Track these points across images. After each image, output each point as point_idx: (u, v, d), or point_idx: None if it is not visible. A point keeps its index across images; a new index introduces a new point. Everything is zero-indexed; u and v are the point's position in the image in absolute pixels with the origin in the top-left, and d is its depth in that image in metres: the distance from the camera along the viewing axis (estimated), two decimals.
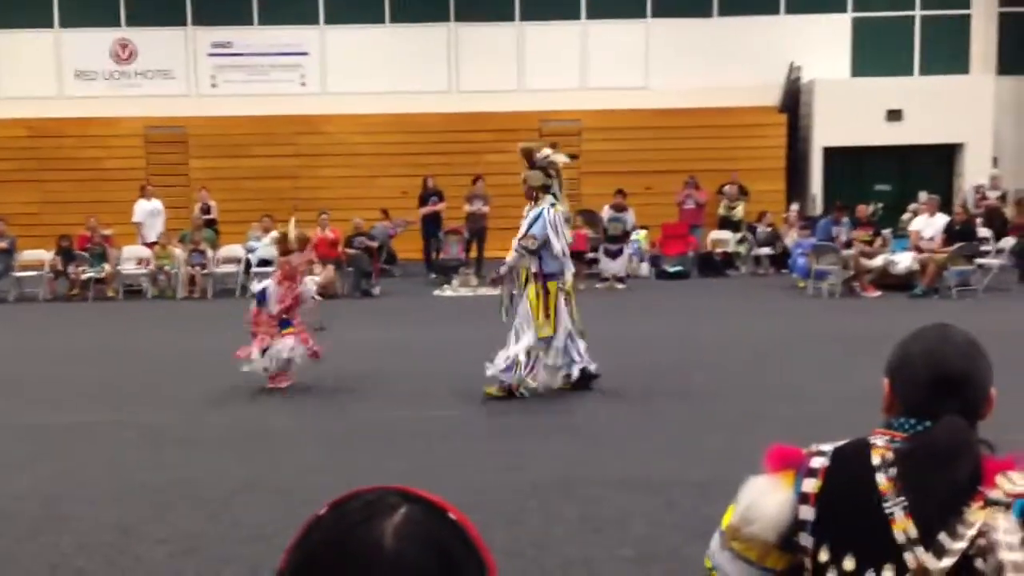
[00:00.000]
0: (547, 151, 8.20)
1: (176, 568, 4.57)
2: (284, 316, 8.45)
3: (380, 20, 20.50)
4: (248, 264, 15.92)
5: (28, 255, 16.25)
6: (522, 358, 7.84)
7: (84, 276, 15.56)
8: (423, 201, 17.30)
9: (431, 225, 17.26)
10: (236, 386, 8.48)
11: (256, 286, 8.91)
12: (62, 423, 7.42)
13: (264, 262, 16.03)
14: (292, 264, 8.59)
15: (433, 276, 16.72)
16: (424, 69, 20.33)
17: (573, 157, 8.38)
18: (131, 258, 16.44)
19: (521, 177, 8.25)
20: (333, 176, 19.60)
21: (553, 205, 8.09)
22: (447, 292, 15.48)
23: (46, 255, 16.06)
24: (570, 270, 8.29)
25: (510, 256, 8.16)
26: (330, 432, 7.03)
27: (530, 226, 7.98)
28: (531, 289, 7.96)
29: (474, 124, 19.50)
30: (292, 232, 8.68)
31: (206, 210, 17.87)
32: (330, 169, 19.76)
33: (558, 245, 7.96)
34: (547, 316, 7.88)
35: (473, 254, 16.78)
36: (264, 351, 8.32)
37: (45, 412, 7.81)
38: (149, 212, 17.15)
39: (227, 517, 5.27)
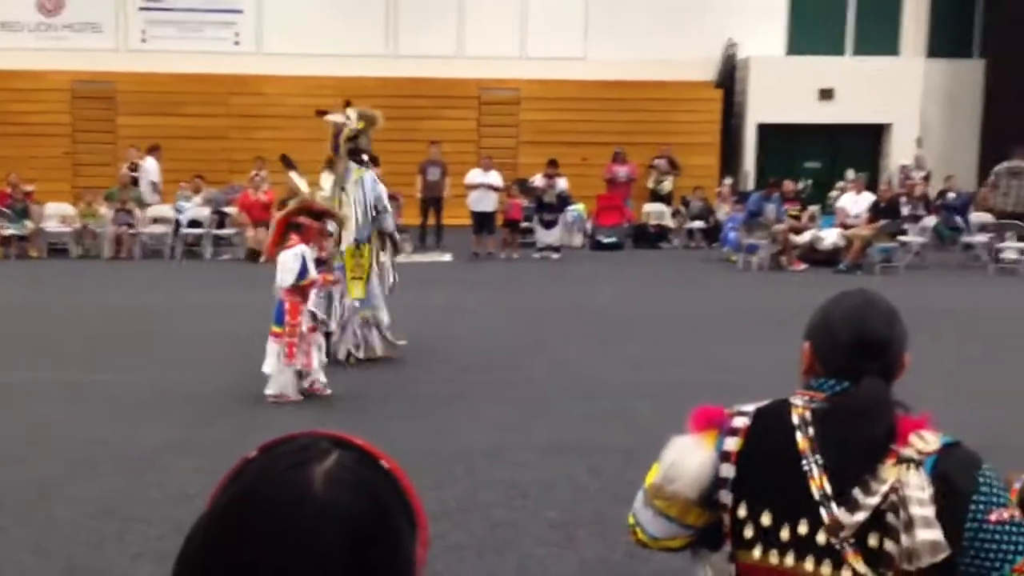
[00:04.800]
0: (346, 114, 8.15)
1: (96, 528, 4.50)
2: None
3: None
4: (178, 225, 15.60)
5: None
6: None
7: (5, 233, 15.10)
8: None
9: None
10: (162, 347, 8.34)
11: (292, 262, 6.63)
12: None
13: (194, 223, 15.76)
14: (326, 232, 7.12)
15: None
16: (362, 32, 20.02)
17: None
18: (54, 216, 16.00)
19: (368, 140, 8.21)
20: (267, 138, 19.21)
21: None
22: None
23: None
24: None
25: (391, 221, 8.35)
26: (257, 394, 6.95)
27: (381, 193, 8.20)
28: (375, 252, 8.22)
29: (412, 90, 19.30)
30: (304, 186, 7.36)
31: (134, 169, 17.43)
32: (264, 131, 19.38)
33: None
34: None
35: (431, 222, 16.59)
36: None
37: None
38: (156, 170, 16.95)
39: (151, 477, 5.19)
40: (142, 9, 20.00)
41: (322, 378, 6.91)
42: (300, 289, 6.67)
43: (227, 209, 15.89)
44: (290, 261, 6.67)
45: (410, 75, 19.30)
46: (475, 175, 15.88)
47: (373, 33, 20.19)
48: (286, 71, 19.39)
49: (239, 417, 6.38)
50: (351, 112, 8.10)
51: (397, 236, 8.79)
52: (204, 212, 15.82)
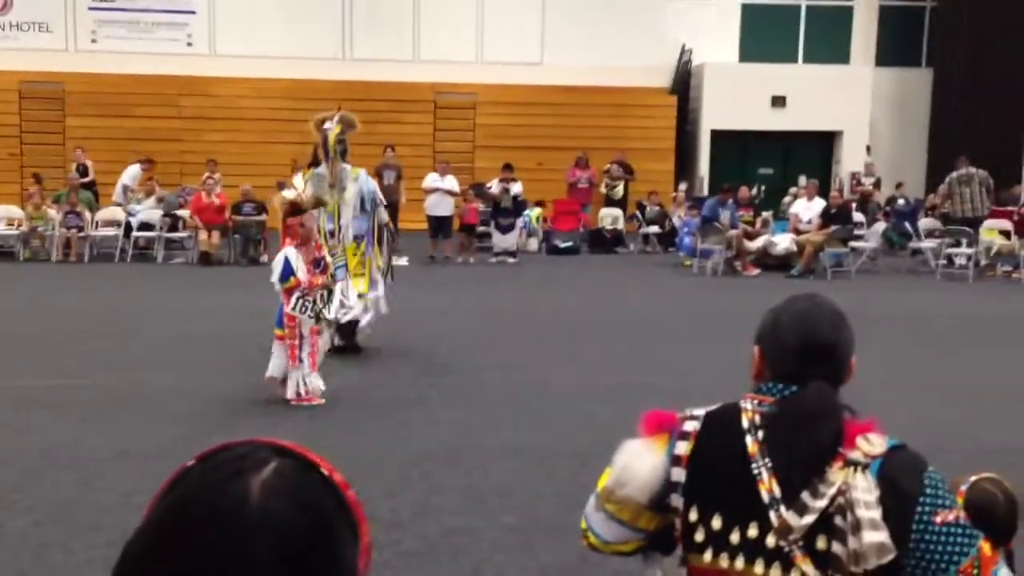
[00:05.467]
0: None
1: (41, 536, 4.41)
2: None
3: None
4: (128, 227, 15.37)
5: None
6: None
7: None
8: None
9: None
10: (118, 351, 8.21)
11: (276, 264, 6.81)
12: None
13: (145, 225, 15.53)
14: (307, 226, 6.89)
15: None
16: (316, 35, 19.90)
17: None
18: (2, 218, 15.69)
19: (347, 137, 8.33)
20: (220, 141, 19.04)
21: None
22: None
23: None
24: None
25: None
26: (211, 399, 6.86)
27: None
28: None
29: (367, 93, 19.18)
30: (290, 193, 7.41)
31: (83, 171, 17.14)
32: (216, 133, 19.18)
33: None
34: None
35: None
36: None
37: None
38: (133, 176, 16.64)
39: (99, 484, 5.10)
40: (92, 8, 19.69)
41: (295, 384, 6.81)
42: (288, 291, 6.70)
43: (179, 212, 15.67)
44: (275, 264, 6.86)
45: (365, 79, 19.22)
46: (432, 179, 15.86)
47: (328, 36, 20.07)
48: (239, 73, 19.21)
49: (196, 422, 6.29)
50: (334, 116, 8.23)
51: (392, 227, 9.17)
52: (156, 215, 15.60)
